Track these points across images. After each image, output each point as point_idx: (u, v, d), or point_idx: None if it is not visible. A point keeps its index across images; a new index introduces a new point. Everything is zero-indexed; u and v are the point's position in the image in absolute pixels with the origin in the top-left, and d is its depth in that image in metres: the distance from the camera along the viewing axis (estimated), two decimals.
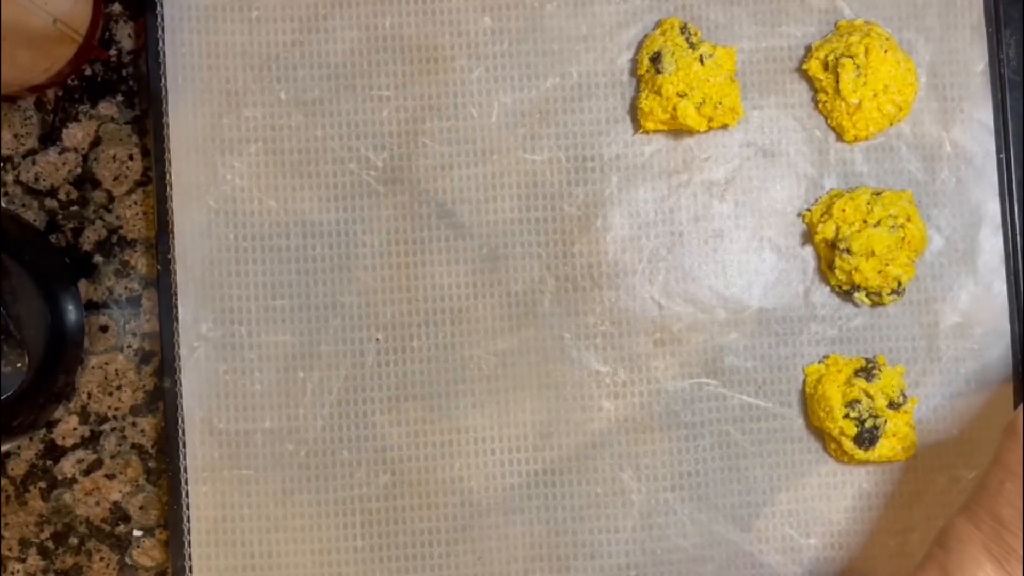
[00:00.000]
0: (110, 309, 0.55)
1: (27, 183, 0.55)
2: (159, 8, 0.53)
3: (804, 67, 0.53)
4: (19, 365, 0.50)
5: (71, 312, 0.53)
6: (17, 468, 0.54)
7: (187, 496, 0.52)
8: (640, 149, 0.54)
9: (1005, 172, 0.54)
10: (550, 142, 0.54)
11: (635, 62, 0.54)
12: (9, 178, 0.55)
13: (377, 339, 0.53)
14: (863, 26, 0.53)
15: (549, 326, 0.53)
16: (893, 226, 0.51)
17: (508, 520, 0.53)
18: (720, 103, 0.52)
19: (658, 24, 0.54)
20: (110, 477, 0.54)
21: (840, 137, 0.54)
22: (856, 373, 0.52)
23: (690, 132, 0.53)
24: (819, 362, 0.53)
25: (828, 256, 0.53)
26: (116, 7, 0.55)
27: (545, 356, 0.53)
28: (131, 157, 0.55)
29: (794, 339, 0.53)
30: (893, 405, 0.52)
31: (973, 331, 0.53)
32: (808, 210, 0.54)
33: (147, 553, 0.54)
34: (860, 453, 0.51)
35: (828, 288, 0.54)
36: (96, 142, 0.55)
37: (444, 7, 0.54)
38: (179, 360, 0.53)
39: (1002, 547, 0.41)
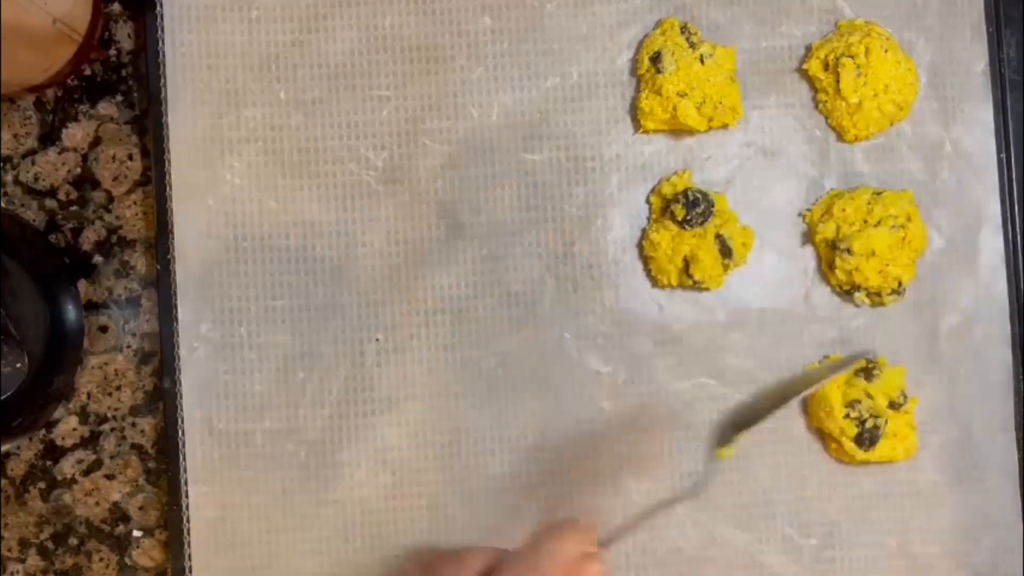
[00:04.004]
0: (110, 309, 0.55)
1: (27, 183, 0.55)
2: (159, 8, 0.53)
3: (804, 67, 0.53)
4: (19, 365, 0.50)
5: (71, 312, 0.53)
6: (17, 468, 0.54)
7: (187, 496, 0.52)
8: (640, 149, 0.54)
9: (1005, 172, 0.54)
10: (550, 142, 0.54)
11: (635, 62, 0.54)
12: (9, 178, 0.55)
13: (377, 339, 0.53)
14: (863, 26, 0.53)
15: (549, 326, 0.53)
16: (893, 226, 0.51)
17: (508, 521, 0.53)
18: (720, 103, 0.52)
19: (658, 24, 0.54)
20: (110, 477, 0.54)
21: (840, 137, 0.54)
22: (856, 373, 0.52)
23: (690, 132, 0.53)
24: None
25: (828, 256, 0.53)
26: (116, 7, 0.55)
27: (545, 356, 0.53)
28: (131, 157, 0.55)
29: (794, 339, 0.53)
30: (893, 405, 0.52)
31: (973, 331, 0.53)
32: (808, 210, 0.54)
33: (147, 553, 0.54)
34: (860, 453, 0.51)
35: (828, 288, 0.53)
36: (96, 142, 0.55)
37: (444, 7, 0.54)
38: (179, 360, 0.53)
39: None
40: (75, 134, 0.55)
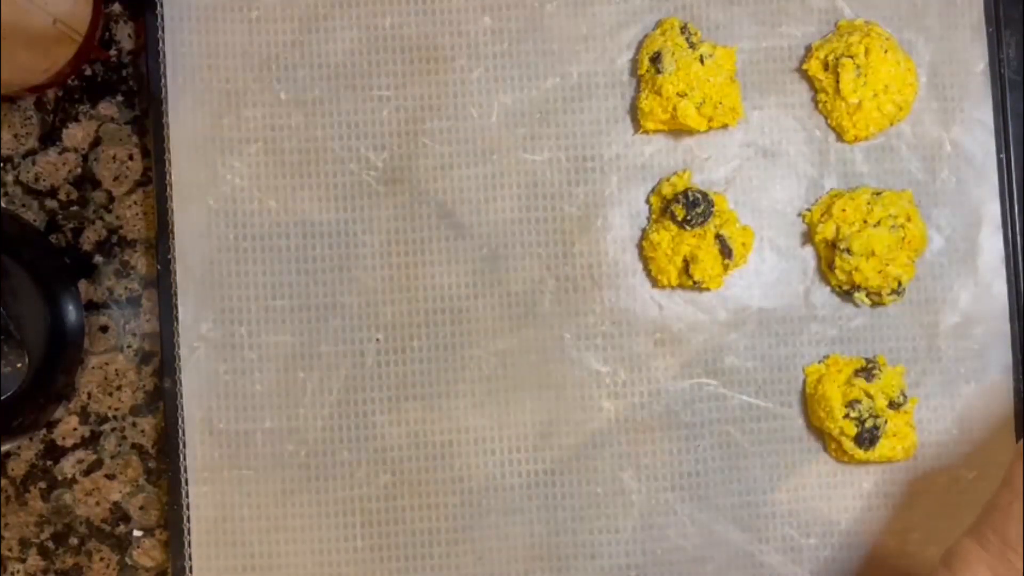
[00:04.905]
0: (110, 309, 0.55)
1: (27, 183, 0.55)
2: (159, 8, 0.53)
3: (804, 67, 0.53)
4: (19, 365, 0.50)
5: (71, 312, 0.53)
6: (17, 468, 0.54)
7: (187, 496, 0.52)
8: (640, 149, 0.54)
9: (1005, 172, 0.54)
10: (550, 142, 0.54)
11: (635, 62, 0.54)
12: (9, 178, 0.55)
13: (377, 339, 0.53)
14: (863, 26, 0.53)
15: (549, 326, 0.53)
16: (893, 226, 0.51)
17: (508, 520, 0.53)
18: (720, 103, 0.52)
19: (658, 24, 0.54)
20: (110, 477, 0.54)
21: (840, 137, 0.54)
22: (856, 373, 0.52)
23: (690, 132, 0.53)
24: (819, 362, 0.53)
25: (828, 256, 0.53)
26: (116, 7, 0.55)
27: (545, 356, 0.53)
28: (131, 157, 0.55)
29: (794, 339, 0.53)
30: (893, 405, 0.52)
31: (973, 331, 0.53)
32: (808, 210, 0.54)
33: (147, 553, 0.54)
34: (860, 453, 0.51)
35: (828, 288, 0.54)
36: (96, 142, 0.55)
37: (444, 7, 0.54)
38: (179, 360, 0.53)
39: (1008, 568, 0.41)
40: (75, 134, 0.55)
